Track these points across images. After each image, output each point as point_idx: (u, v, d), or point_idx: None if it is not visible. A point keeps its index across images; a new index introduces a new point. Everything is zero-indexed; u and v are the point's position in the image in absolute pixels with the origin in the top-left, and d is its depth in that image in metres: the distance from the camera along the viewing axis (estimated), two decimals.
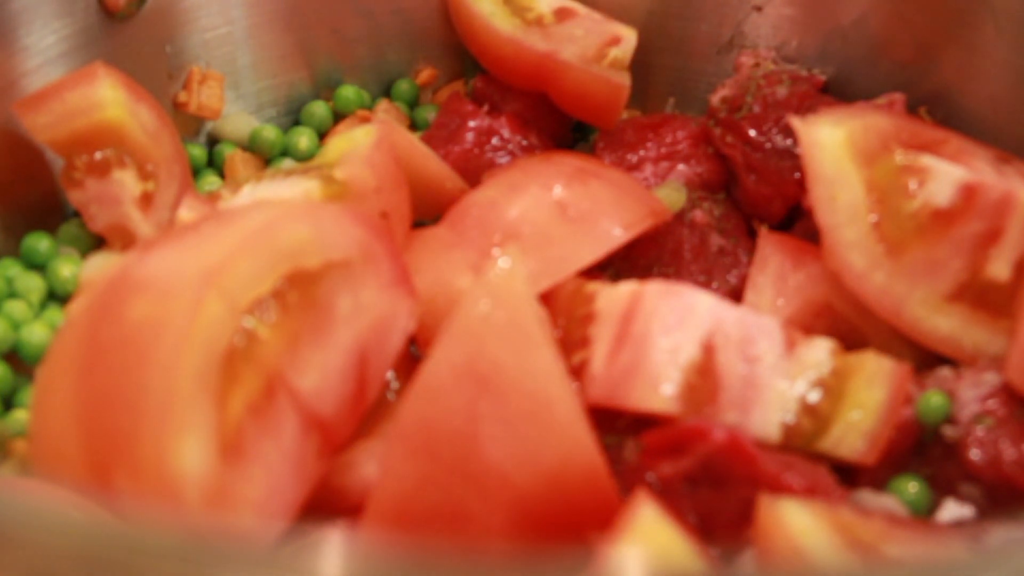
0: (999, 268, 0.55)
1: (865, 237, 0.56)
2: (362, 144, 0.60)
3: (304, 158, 0.71)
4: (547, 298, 0.56)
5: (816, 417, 0.51)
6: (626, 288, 0.53)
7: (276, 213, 0.47)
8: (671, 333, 0.51)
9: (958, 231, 0.55)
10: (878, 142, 0.58)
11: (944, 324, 0.55)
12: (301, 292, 0.47)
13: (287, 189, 0.57)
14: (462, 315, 0.45)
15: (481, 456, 0.44)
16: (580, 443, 0.44)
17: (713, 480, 0.47)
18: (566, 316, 0.55)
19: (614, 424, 0.51)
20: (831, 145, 0.58)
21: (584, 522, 0.44)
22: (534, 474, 0.44)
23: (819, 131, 0.58)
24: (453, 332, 0.45)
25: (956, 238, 0.55)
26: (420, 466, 0.44)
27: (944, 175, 0.56)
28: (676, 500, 0.47)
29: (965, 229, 0.55)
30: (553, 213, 0.58)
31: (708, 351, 0.51)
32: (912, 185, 0.56)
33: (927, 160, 0.56)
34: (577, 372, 0.52)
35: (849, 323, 0.58)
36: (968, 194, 0.55)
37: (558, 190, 0.59)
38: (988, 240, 0.55)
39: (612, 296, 0.54)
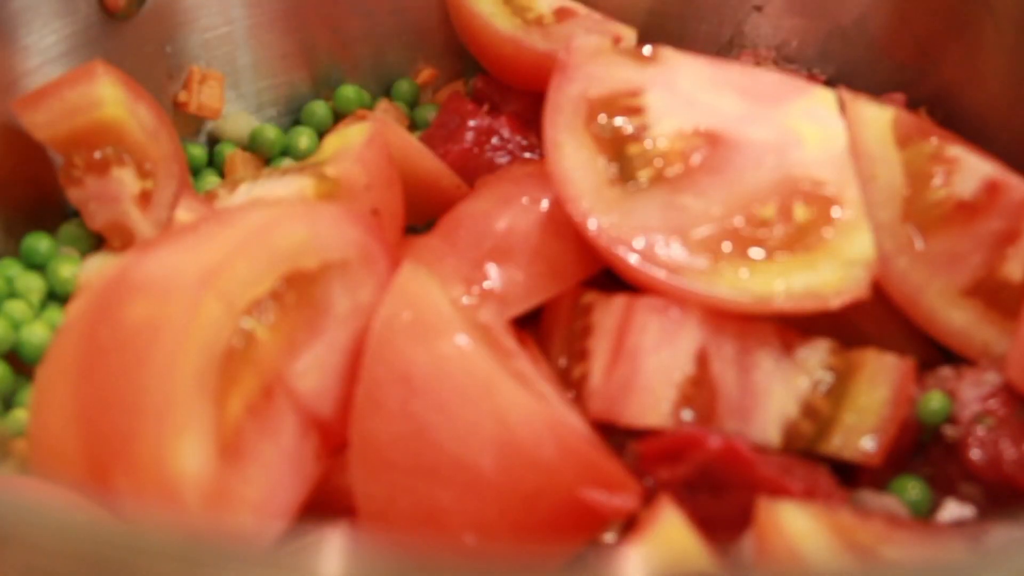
0: (1014, 268, 0.54)
1: (896, 220, 0.56)
2: (354, 141, 0.60)
3: (304, 158, 0.71)
4: (548, 310, 0.56)
5: (818, 419, 0.51)
6: (619, 301, 0.53)
7: (274, 214, 0.47)
8: (663, 349, 0.51)
9: (979, 226, 0.55)
10: (912, 129, 0.58)
11: (958, 318, 0.55)
12: (299, 293, 0.47)
13: (282, 187, 0.57)
14: (374, 328, 0.46)
15: (431, 449, 0.44)
16: (512, 401, 0.45)
17: (711, 485, 0.47)
18: (567, 328, 0.55)
19: (615, 426, 0.51)
20: (878, 124, 0.57)
21: (557, 482, 0.44)
22: (483, 444, 0.44)
23: (866, 108, 0.58)
24: (371, 346, 0.46)
25: (977, 233, 0.55)
26: (382, 479, 0.45)
27: (972, 167, 0.56)
28: (676, 504, 0.47)
29: (986, 225, 0.55)
30: (545, 226, 0.57)
31: (702, 363, 0.51)
32: (940, 173, 0.56)
33: (956, 150, 0.56)
34: (578, 385, 0.52)
35: (848, 321, 0.57)
36: (992, 190, 0.55)
37: (546, 203, 0.58)
38: (1007, 239, 0.55)
39: (607, 308, 0.53)
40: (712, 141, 0.56)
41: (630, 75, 0.59)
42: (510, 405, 0.45)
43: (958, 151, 0.57)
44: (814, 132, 0.57)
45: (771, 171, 0.55)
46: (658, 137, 0.56)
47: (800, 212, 0.54)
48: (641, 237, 0.53)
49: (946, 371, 0.54)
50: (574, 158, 0.56)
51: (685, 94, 0.58)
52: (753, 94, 0.58)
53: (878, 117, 0.58)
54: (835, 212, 0.54)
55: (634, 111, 0.58)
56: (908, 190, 0.56)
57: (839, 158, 0.56)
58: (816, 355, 0.53)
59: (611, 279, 0.56)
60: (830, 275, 0.52)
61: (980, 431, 0.51)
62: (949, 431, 0.52)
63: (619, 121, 0.57)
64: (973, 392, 0.53)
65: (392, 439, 0.45)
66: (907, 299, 0.55)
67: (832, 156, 0.56)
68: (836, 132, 0.57)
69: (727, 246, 0.53)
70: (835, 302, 0.51)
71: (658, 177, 0.55)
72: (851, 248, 0.53)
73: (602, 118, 0.57)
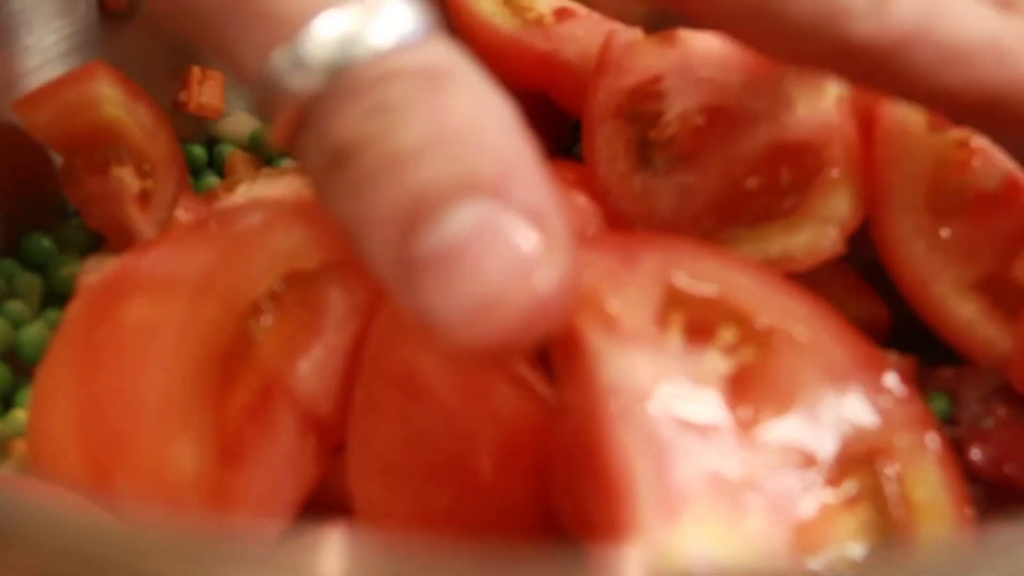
0: (1022, 270, 0.54)
1: (919, 203, 0.55)
2: None
3: None
4: None
5: None
6: None
7: (273, 214, 0.47)
8: None
9: (996, 222, 0.55)
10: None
11: (965, 311, 0.55)
12: (298, 293, 0.47)
13: (281, 187, 0.57)
14: (373, 332, 0.46)
15: (430, 452, 0.44)
16: (510, 404, 0.45)
17: None
18: None
19: None
20: None
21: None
22: (482, 447, 0.44)
23: None
24: (369, 349, 0.46)
25: (992, 228, 0.55)
26: (381, 482, 0.45)
27: (995, 161, 0.56)
28: None
29: (1002, 222, 0.55)
30: None
31: None
32: (964, 162, 0.56)
33: (982, 141, 0.56)
34: None
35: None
36: (1010, 188, 0.55)
37: None
38: (1021, 240, 0.54)
39: None
40: (715, 117, 0.57)
41: (654, 62, 0.60)
42: (508, 408, 0.45)
43: (984, 142, 0.56)
44: (804, 91, 0.56)
45: (764, 139, 0.55)
46: (672, 120, 0.57)
47: (785, 176, 0.54)
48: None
49: (946, 371, 0.54)
50: (606, 150, 0.57)
51: (697, 74, 0.59)
52: (757, 61, 0.59)
53: None
54: (816, 172, 0.54)
55: (655, 97, 0.58)
56: (933, 174, 0.56)
57: (826, 114, 0.55)
58: None
59: None
60: (805, 236, 0.52)
61: (980, 432, 0.51)
62: (949, 431, 0.52)
63: (643, 109, 0.58)
64: (974, 393, 0.53)
65: (391, 442, 0.45)
66: (918, 285, 0.55)
67: (818, 113, 0.55)
68: (825, 85, 0.56)
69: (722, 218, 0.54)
70: (805, 263, 0.51)
71: (671, 160, 0.56)
72: (827, 207, 0.52)
73: (629, 108, 0.59)
